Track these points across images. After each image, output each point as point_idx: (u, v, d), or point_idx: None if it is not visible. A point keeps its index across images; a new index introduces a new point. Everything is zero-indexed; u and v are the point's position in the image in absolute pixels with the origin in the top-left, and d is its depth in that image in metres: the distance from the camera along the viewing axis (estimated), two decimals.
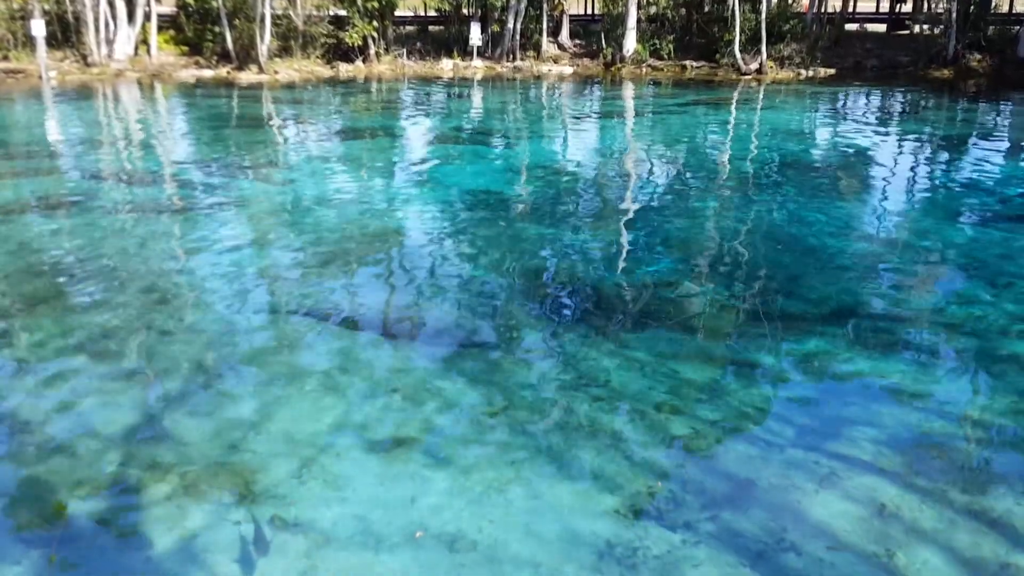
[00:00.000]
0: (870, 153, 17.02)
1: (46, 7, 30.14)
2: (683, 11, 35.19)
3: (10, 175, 13.92)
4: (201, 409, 5.92)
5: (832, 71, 31.89)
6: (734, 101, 25.59)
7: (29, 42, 29.19)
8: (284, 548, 4.46)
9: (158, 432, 5.62)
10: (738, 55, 31.73)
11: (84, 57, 30.25)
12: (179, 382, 6.33)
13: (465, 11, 37.31)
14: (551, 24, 36.37)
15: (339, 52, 32.57)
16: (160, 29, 31.84)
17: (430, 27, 40.16)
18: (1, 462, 5.25)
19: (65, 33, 31.55)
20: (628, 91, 29.02)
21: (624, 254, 9.82)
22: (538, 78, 32.49)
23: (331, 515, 4.75)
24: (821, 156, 16.80)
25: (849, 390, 6.32)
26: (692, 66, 33.17)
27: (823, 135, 19.70)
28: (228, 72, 30.51)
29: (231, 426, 5.69)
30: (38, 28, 27.52)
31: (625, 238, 10.51)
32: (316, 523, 4.67)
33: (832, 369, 6.64)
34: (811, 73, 31.59)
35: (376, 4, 32.00)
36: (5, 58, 29.76)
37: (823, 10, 35.98)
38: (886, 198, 12.89)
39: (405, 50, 34.38)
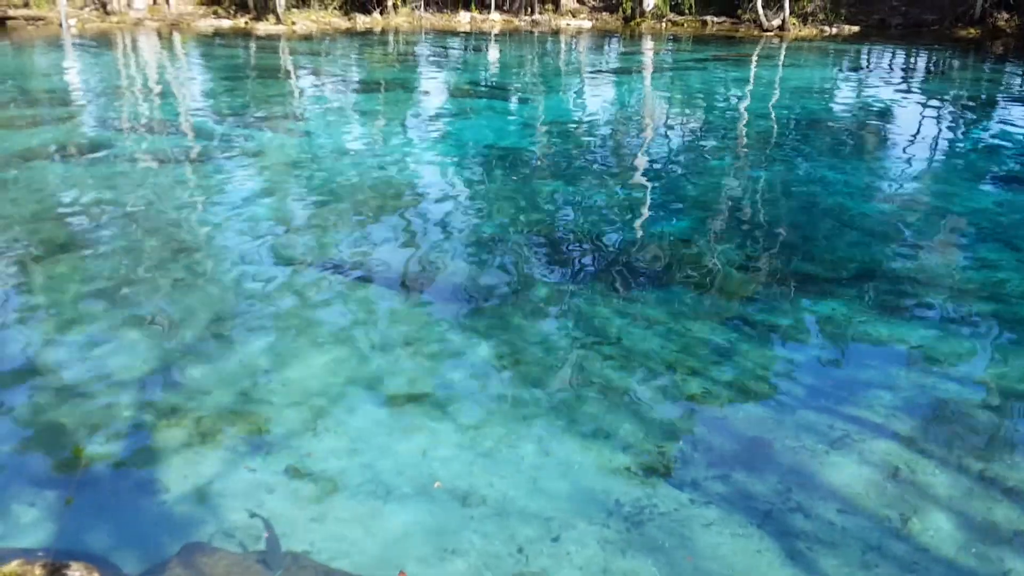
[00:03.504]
0: (892, 113, 16.76)
1: None
2: None
3: (30, 123, 13.91)
4: (216, 358, 5.95)
5: (856, 28, 31.32)
6: (755, 58, 25.20)
7: None
8: (295, 496, 4.50)
9: (174, 379, 5.66)
10: (760, 11, 31.17)
11: (104, 5, 30.09)
12: (195, 330, 6.36)
13: None
14: None
15: (357, 3, 32.26)
16: None
17: None
18: (21, 406, 5.31)
19: None
20: (647, 46, 28.61)
21: (639, 212, 9.75)
22: (556, 32, 32.08)
23: (342, 465, 4.78)
24: (842, 115, 16.54)
25: (865, 353, 6.27)
26: (713, 21, 32.64)
27: (845, 94, 19.37)
28: (246, 22, 30.29)
29: (246, 375, 5.72)
30: None
31: (641, 196, 10.43)
32: (327, 472, 4.71)
33: (848, 332, 6.59)
34: (834, 30, 31.04)
35: None
36: (26, 5, 29.64)
37: None
38: (907, 159, 12.70)
39: (422, 2, 33.97)
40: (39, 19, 28.97)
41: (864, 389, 5.71)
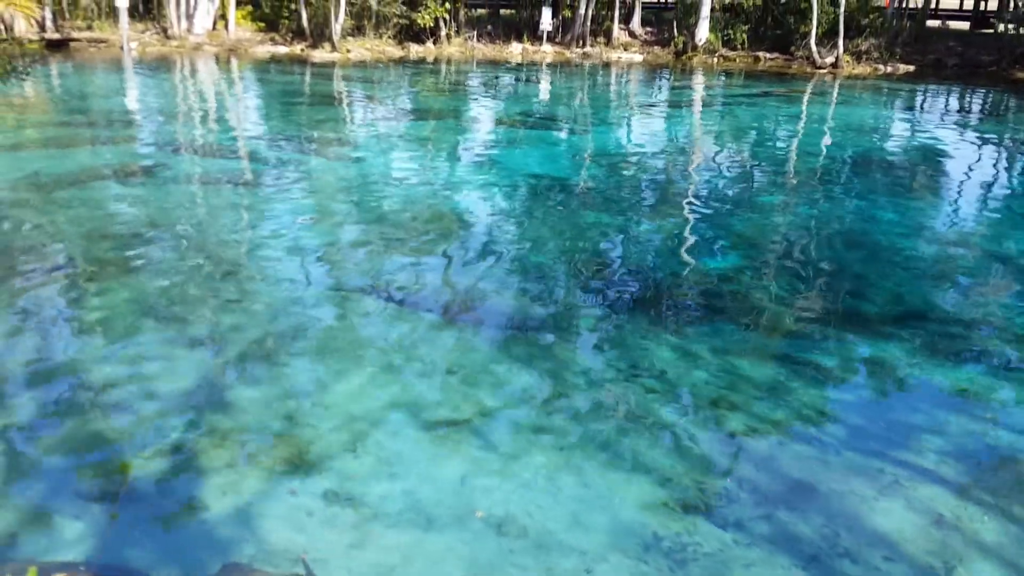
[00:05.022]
0: (946, 154, 16.50)
1: None
2: (758, 1, 34.41)
3: (88, 142, 14.31)
4: (261, 379, 6.02)
5: (911, 68, 30.95)
6: (807, 95, 25.04)
7: (113, 13, 29.94)
8: (334, 521, 4.51)
9: (219, 399, 5.73)
10: (814, 48, 30.98)
11: (164, 30, 30.92)
12: (242, 351, 6.44)
13: None
14: (623, 11, 35.98)
15: (411, 33, 32.71)
16: (238, 5, 32.33)
17: (501, 11, 40.02)
18: (69, 421, 5.41)
19: (147, 5, 32.42)
20: (698, 81, 28.59)
21: (686, 246, 9.69)
22: (607, 65, 32.20)
23: (382, 491, 4.79)
24: (895, 155, 16.34)
25: (915, 396, 6.14)
26: (765, 57, 32.50)
27: (898, 133, 19.15)
28: (302, 49, 30.88)
29: (289, 397, 5.77)
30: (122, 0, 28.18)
31: (688, 230, 10.37)
32: (367, 498, 4.72)
33: (898, 374, 6.46)
34: (889, 69, 30.71)
35: None
36: (89, 28, 30.58)
37: (904, 5, 34.90)
38: (961, 201, 12.48)
39: (475, 33, 34.37)
40: (101, 42, 29.85)
41: (914, 433, 5.58)
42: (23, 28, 27.45)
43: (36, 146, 13.93)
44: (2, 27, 24.01)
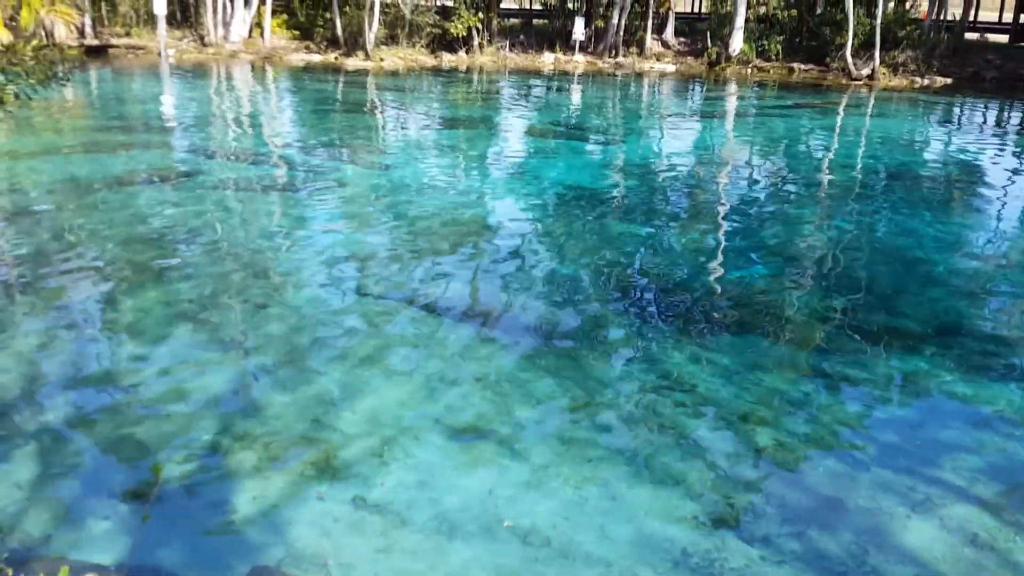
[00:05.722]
0: (984, 168, 16.27)
1: None
2: (794, 12, 34.20)
3: (125, 147, 14.51)
4: (290, 384, 6.06)
5: (948, 81, 30.58)
6: (842, 106, 24.81)
7: (151, 20, 30.42)
8: (361, 527, 4.53)
9: (249, 403, 5.78)
10: (849, 60, 30.70)
11: (201, 37, 31.36)
12: (271, 356, 6.50)
13: (570, 5, 37.19)
14: (656, 21, 35.93)
15: (443, 42, 32.89)
16: (274, 13, 32.72)
17: (534, 20, 40.16)
18: (102, 423, 5.48)
19: (185, 13, 32.92)
20: (731, 91, 28.45)
21: (717, 257, 9.64)
22: (639, 75, 32.16)
23: (409, 498, 4.79)
24: (931, 168, 16.14)
25: (949, 414, 6.05)
26: (800, 69, 32.27)
27: (935, 146, 18.92)
28: (336, 57, 31.16)
29: (318, 402, 5.80)
30: (160, 7, 28.58)
31: (719, 241, 10.32)
32: (393, 505, 4.73)
33: (932, 391, 6.37)
34: (926, 82, 30.36)
35: None
36: (127, 34, 31.11)
37: (942, 17, 34.50)
38: (999, 216, 12.30)
39: (508, 42, 34.47)
40: (139, 48, 30.34)
41: (946, 451, 5.50)
42: (63, 34, 27.92)
43: (74, 150, 14.17)
44: (43, 33, 24.43)
